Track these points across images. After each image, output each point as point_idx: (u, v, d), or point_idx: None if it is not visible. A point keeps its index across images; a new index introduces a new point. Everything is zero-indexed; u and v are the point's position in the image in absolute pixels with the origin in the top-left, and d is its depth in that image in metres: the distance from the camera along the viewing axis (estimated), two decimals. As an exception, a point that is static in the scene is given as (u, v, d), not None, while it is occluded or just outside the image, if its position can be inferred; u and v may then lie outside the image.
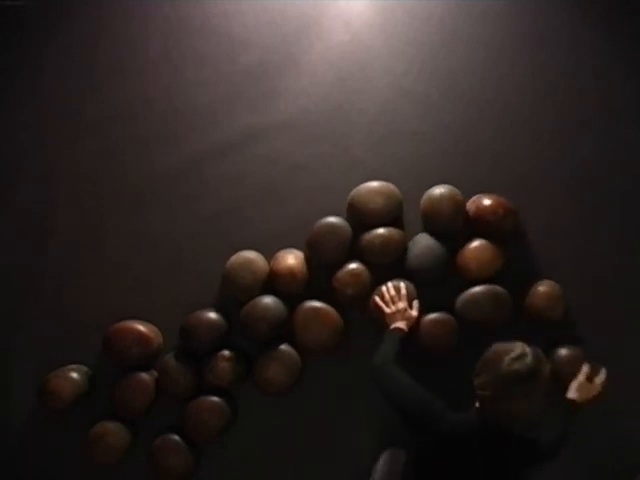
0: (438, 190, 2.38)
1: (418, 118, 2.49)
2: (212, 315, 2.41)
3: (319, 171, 2.51)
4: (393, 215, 2.43)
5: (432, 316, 2.32)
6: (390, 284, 2.32)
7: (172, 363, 2.40)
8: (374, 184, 2.43)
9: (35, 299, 2.56)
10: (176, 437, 2.39)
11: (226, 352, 2.38)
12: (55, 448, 2.52)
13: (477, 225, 2.36)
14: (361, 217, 2.42)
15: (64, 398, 2.40)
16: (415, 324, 2.26)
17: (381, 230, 2.38)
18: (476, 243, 2.34)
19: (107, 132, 2.61)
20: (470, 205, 2.40)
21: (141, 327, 2.44)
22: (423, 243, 2.37)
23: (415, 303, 2.29)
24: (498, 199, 2.35)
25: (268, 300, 2.38)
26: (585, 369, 2.12)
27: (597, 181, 2.42)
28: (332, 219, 2.41)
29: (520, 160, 2.45)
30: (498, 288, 2.30)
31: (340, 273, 2.38)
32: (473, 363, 1.78)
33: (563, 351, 2.29)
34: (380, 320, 2.28)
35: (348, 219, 2.44)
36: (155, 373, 2.45)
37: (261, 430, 2.46)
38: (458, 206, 2.38)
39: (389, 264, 2.37)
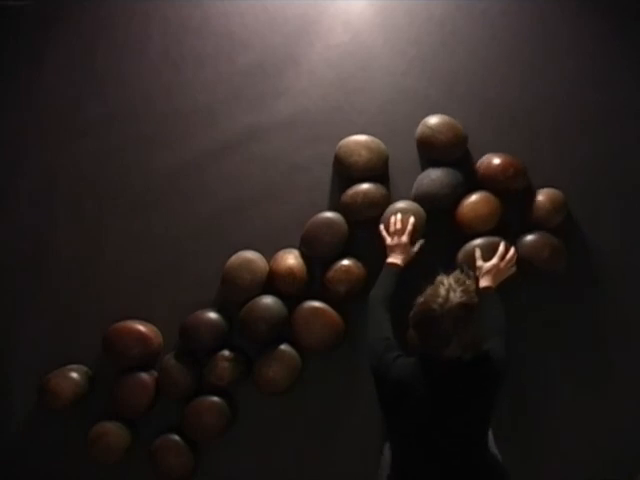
0: (434, 119, 2.39)
1: (418, 118, 2.48)
2: (212, 315, 2.41)
3: (319, 171, 2.51)
4: (378, 171, 2.43)
5: None
6: (399, 216, 2.29)
7: (172, 363, 2.40)
8: (361, 137, 2.44)
9: (35, 299, 2.57)
10: (176, 437, 2.40)
11: (226, 352, 2.39)
12: (55, 448, 2.52)
13: (486, 184, 2.34)
14: (344, 169, 2.43)
15: (64, 398, 2.40)
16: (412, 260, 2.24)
17: (364, 185, 2.39)
18: (474, 197, 2.33)
19: (107, 132, 2.61)
20: (479, 165, 2.38)
21: (141, 327, 2.44)
22: (433, 174, 2.36)
23: (419, 242, 2.28)
24: (508, 158, 2.33)
25: (268, 300, 2.38)
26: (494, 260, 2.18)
27: (597, 181, 2.42)
28: (328, 214, 2.42)
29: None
30: (497, 239, 2.28)
31: (331, 271, 2.38)
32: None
33: (529, 237, 2.29)
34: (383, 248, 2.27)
35: (334, 172, 2.47)
36: (155, 373, 2.45)
37: (261, 430, 2.46)
38: (458, 134, 2.37)
39: (373, 219, 2.37)
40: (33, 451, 2.54)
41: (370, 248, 2.43)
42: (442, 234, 2.36)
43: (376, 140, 2.44)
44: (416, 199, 2.38)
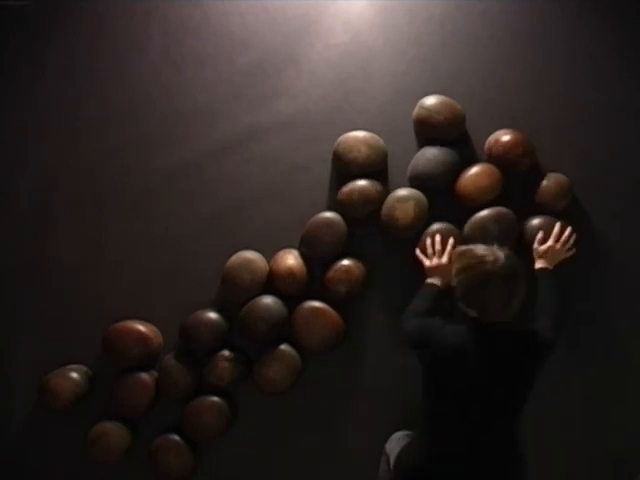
0: (431, 100, 2.39)
1: (418, 118, 2.48)
2: (212, 315, 2.41)
3: (319, 171, 2.51)
4: (377, 167, 2.43)
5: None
6: (438, 238, 2.26)
7: (172, 363, 2.40)
8: (360, 133, 2.44)
9: (35, 299, 2.56)
10: (176, 437, 2.40)
11: (226, 352, 2.39)
12: (55, 448, 2.52)
13: (494, 161, 2.33)
14: (343, 166, 2.43)
15: (64, 398, 2.40)
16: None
17: (360, 182, 2.38)
18: (474, 169, 2.33)
19: (107, 132, 2.61)
20: (488, 142, 2.38)
21: (141, 327, 2.44)
22: (428, 154, 2.36)
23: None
24: (518, 135, 2.33)
25: (268, 300, 2.38)
26: (551, 238, 2.18)
27: (597, 181, 2.42)
28: (327, 214, 2.41)
29: (520, 160, 2.44)
30: (503, 209, 2.28)
31: (331, 271, 2.38)
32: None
33: (535, 221, 2.29)
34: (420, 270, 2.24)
35: (333, 168, 2.47)
36: (155, 373, 2.45)
37: (261, 430, 2.46)
38: (457, 113, 2.37)
39: (368, 216, 2.38)
40: (33, 451, 2.54)
41: (370, 248, 2.43)
42: (444, 211, 2.36)
43: (375, 136, 2.44)
44: (412, 180, 2.39)
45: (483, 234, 2.25)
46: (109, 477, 2.49)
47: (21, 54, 2.65)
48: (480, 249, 1.81)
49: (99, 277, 2.55)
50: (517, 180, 2.36)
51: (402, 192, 2.36)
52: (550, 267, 2.13)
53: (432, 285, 2.15)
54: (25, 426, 2.54)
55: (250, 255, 2.44)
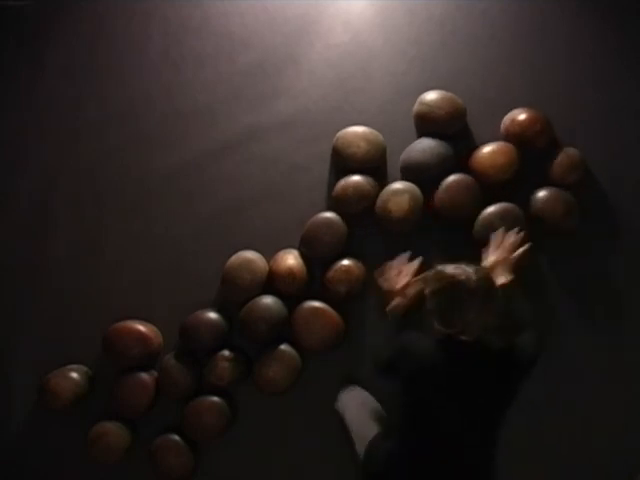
0: (431, 95, 2.39)
1: (418, 118, 2.49)
2: (212, 315, 2.41)
3: (319, 171, 2.51)
4: (376, 163, 2.43)
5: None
6: (395, 263, 2.20)
7: (172, 363, 2.40)
8: (360, 129, 2.44)
9: (35, 299, 2.56)
10: (176, 437, 2.39)
11: (226, 352, 2.38)
12: (55, 448, 2.52)
13: (511, 141, 2.32)
14: (342, 161, 2.43)
15: (64, 398, 2.40)
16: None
17: (354, 178, 2.39)
18: (491, 146, 2.32)
19: (107, 132, 2.61)
20: (503, 122, 2.37)
21: (141, 327, 2.44)
22: (422, 144, 2.36)
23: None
24: (534, 113, 2.32)
25: (268, 300, 2.38)
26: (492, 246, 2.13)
27: (596, 181, 2.42)
28: (327, 214, 2.42)
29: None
30: (509, 205, 2.28)
31: (331, 271, 2.37)
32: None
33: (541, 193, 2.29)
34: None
35: (332, 164, 2.47)
36: (155, 373, 2.45)
37: (261, 430, 2.45)
38: (458, 107, 2.37)
39: (363, 212, 2.38)
40: (33, 451, 2.53)
41: (370, 248, 2.43)
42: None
43: (374, 132, 2.44)
44: (404, 169, 2.39)
45: (490, 231, 2.24)
46: (109, 477, 2.49)
47: (21, 54, 2.65)
48: (450, 268, 1.75)
49: (99, 277, 2.55)
50: (533, 159, 2.35)
51: (397, 185, 2.37)
52: (509, 279, 2.03)
53: (394, 308, 2.10)
54: (25, 426, 2.54)
55: (250, 255, 2.44)
